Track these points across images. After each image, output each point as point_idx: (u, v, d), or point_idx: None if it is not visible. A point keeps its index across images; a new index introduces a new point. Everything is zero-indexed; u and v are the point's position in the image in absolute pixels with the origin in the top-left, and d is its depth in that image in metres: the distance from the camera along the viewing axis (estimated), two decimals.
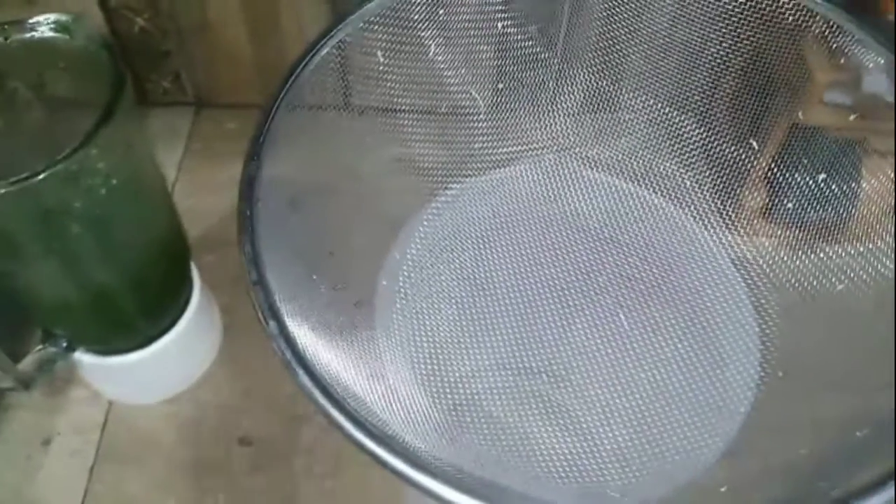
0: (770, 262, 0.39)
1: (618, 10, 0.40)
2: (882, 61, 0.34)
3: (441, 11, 0.36)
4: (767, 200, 0.41)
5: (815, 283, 0.37)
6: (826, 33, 0.37)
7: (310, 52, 0.31)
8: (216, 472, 0.43)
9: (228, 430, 0.44)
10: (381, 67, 0.36)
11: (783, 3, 0.37)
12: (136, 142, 0.34)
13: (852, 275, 0.35)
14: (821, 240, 0.39)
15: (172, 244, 0.41)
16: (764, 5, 0.37)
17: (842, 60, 0.36)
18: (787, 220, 0.40)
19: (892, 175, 0.37)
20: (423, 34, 0.36)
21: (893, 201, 0.37)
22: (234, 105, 0.62)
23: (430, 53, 0.37)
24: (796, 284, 0.37)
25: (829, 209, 0.39)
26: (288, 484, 0.42)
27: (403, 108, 0.38)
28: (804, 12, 0.37)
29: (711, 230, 0.40)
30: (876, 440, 0.27)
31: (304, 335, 0.26)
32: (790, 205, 0.40)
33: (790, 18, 0.37)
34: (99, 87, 0.30)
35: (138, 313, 0.40)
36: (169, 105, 0.61)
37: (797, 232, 0.39)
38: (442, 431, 0.34)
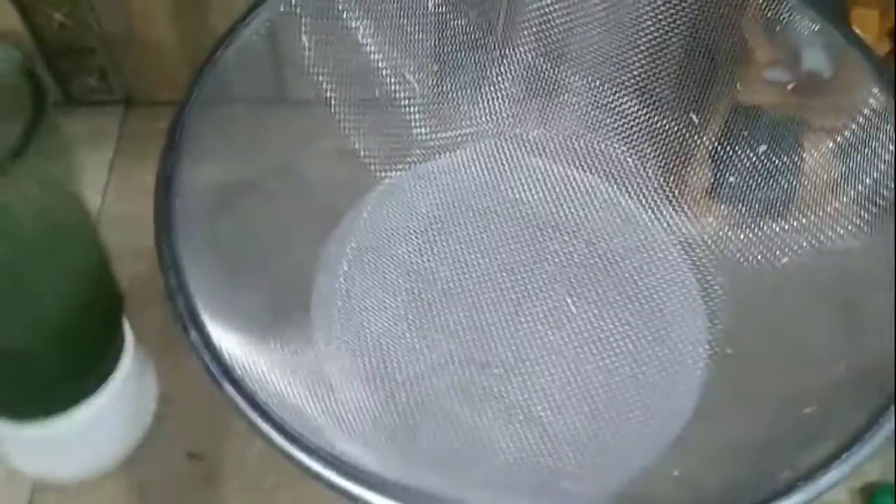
0: (714, 239, 0.39)
1: None
2: (816, 27, 0.35)
3: None
4: (711, 178, 0.41)
5: (759, 257, 0.37)
6: (762, 8, 0.37)
7: (226, 38, 0.30)
8: None
9: None
10: (307, 54, 0.34)
11: None
12: (56, 176, 0.30)
13: (792, 251, 0.36)
14: (765, 215, 0.39)
15: (99, 292, 0.35)
16: None
17: (777, 29, 0.36)
18: (730, 197, 0.40)
19: (834, 148, 0.38)
20: (349, 17, 0.35)
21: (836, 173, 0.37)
22: (166, 102, 0.59)
23: (359, 37, 0.36)
24: (741, 260, 0.38)
25: (772, 184, 0.39)
26: None
27: (335, 97, 0.36)
28: None
29: (655, 210, 0.40)
30: (823, 417, 0.27)
31: (233, 344, 0.25)
32: (733, 180, 0.40)
33: None
34: (16, 118, 0.27)
35: (58, 373, 0.34)
36: (96, 104, 0.59)
37: (741, 208, 0.40)
38: (392, 435, 0.33)
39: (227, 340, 0.25)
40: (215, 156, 0.32)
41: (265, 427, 0.22)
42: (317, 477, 0.21)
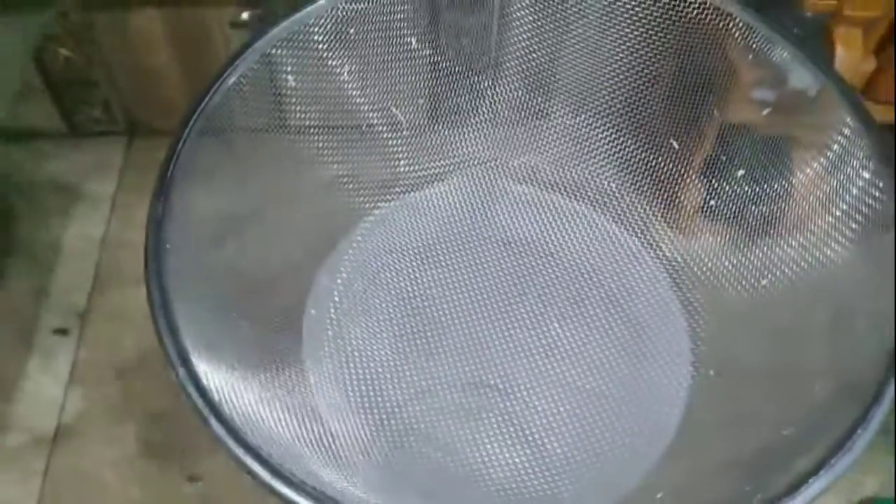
0: (698, 261, 0.39)
1: (545, 21, 0.41)
2: (786, 55, 0.35)
3: (351, 31, 0.35)
4: (699, 201, 0.41)
5: (743, 280, 0.37)
6: (744, 34, 0.38)
7: (217, 80, 0.31)
8: None
9: None
10: (295, 91, 0.35)
11: (702, 5, 0.37)
12: None
13: (777, 271, 0.36)
14: (751, 236, 0.39)
15: None
16: (683, 9, 0.38)
17: (757, 57, 0.37)
18: (717, 219, 0.40)
19: (819, 168, 0.38)
20: (334, 56, 0.36)
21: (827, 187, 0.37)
22: (168, 133, 0.61)
23: (345, 74, 0.37)
24: (724, 282, 0.38)
25: (760, 204, 0.39)
26: None
27: (322, 129, 0.37)
28: (722, 15, 0.37)
29: (640, 234, 0.41)
30: (799, 439, 0.28)
31: (222, 380, 0.26)
32: (718, 203, 0.40)
33: (709, 21, 0.38)
34: None
35: None
36: (101, 135, 0.60)
37: (727, 230, 0.40)
38: (385, 460, 0.33)
39: (216, 377, 0.26)
40: (208, 191, 0.32)
41: (251, 463, 0.23)
42: None
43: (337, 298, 0.37)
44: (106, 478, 0.44)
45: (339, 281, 0.37)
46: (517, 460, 0.36)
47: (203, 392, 0.24)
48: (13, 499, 0.42)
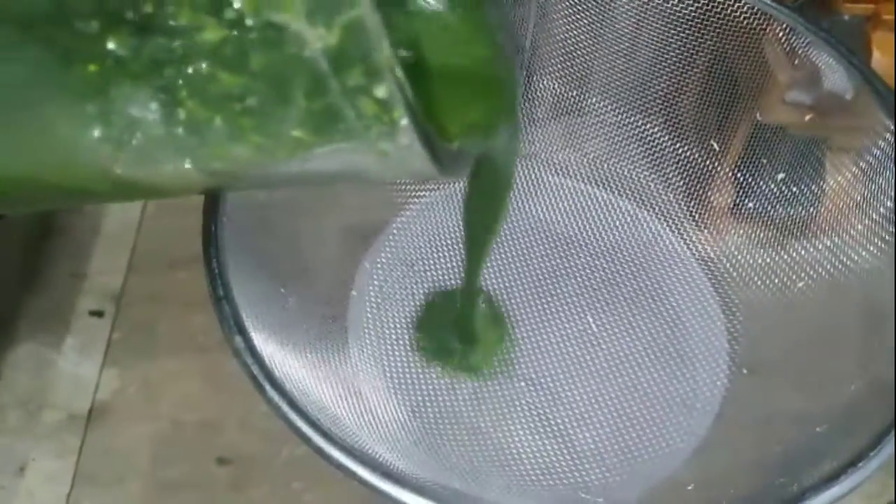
0: (735, 259, 0.39)
1: (581, 16, 0.41)
2: (832, 61, 0.35)
3: None
4: (733, 199, 0.42)
5: (778, 280, 0.38)
6: (783, 35, 0.38)
7: None
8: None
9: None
10: None
11: (740, 7, 0.38)
12: None
13: (812, 272, 0.36)
14: (787, 237, 0.39)
15: None
16: (722, 10, 0.38)
17: (796, 61, 0.37)
18: (752, 219, 0.41)
19: (856, 171, 0.38)
20: None
21: (859, 195, 0.37)
22: None
23: None
24: (762, 281, 0.38)
25: (795, 206, 0.40)
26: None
27: None
28: (760, 16, 0.37)
29: (678, 231, 0.41)
30: (834, 436, 0.28)
31: (273, 350, 0.26)
32: (754, 204, 0.40)
33: (745, 22, 0.38)
34: None
35: None
36: None
37: (762, 230, 0.40)
38: (419, 443, 0.34)
39: (268, 348, 0.26)
40: None
41: (305, 428, 0.23)
42: (353, 475, 0.22)
43: (377, 282, 0.37)
44: (138, 457, 0.44)
45: (378, 265, 0.38)
46: (547, 451, 0.36)
47: (258, 359, 0.24)
48: (52, 473, 0.43)
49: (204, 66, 0.14)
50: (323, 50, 0.13)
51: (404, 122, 0.14)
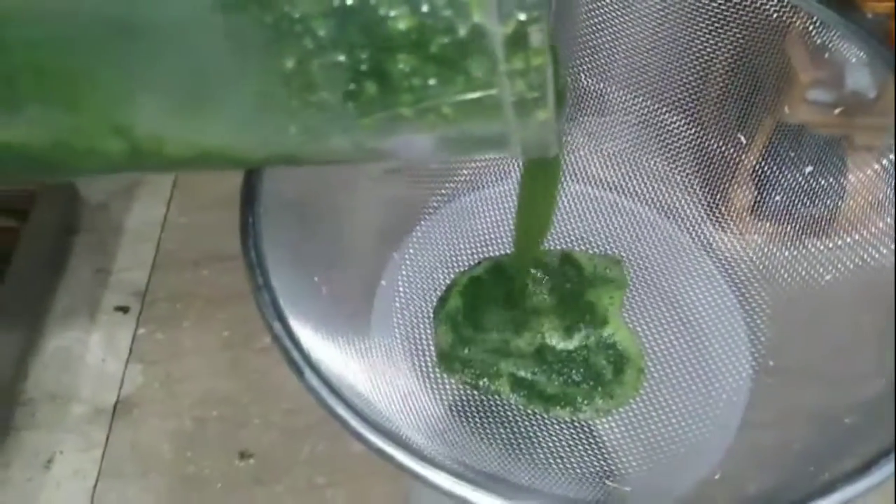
0: (758, 256, 0.40)
1: (602, 10, 0.41)
2: (863, 55, 0.35)
3: None
4: (755, 197, 0.42)
5: (802, 275, 0.38)
6: (809, 29, 0.38)
7: None
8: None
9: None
10: None
11: (764, 1, 0.38)
12: None
13: (839, 266, 0.36)
14: (808, 233, 0.39)
15: None
16: (748, 2, 0.38)
17: (825, 56, 0.37)
18: (774, 216, 0.41)
19: (879, 168, 0.38)
20: None
21: (881, 194, 0.37)
22: None
23: None
24: (784, 277, 0.38)
25: (817, 203, 0.40)
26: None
27: None
28: (787, 8, 0.37)
29: (698, 229, 0.41)
30: (864, 426, 0.28)
31: (308, 336, 0.27)
32: (777, 199, 0.40)
33: (774, 15, 0.38)
34: None
35: None
36: None
37: (784, 227, 0.40)
38: (446, 430, 0.34)
39: (304, 334, 0.27)
40: (288, 171, 0.34)
41: (341, 411, 0.23)
42: (390, 459, 0.23)
43: (405, 272, 0.38)
44: (162, 451, 0.45)
45: (406, 257, 0.38)
46: (574, 444, 0.36)
47: (297, 343, 0.24)
48: (78, 466, 0.44)
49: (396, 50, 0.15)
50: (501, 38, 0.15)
51: (548, 99, 0.16)
